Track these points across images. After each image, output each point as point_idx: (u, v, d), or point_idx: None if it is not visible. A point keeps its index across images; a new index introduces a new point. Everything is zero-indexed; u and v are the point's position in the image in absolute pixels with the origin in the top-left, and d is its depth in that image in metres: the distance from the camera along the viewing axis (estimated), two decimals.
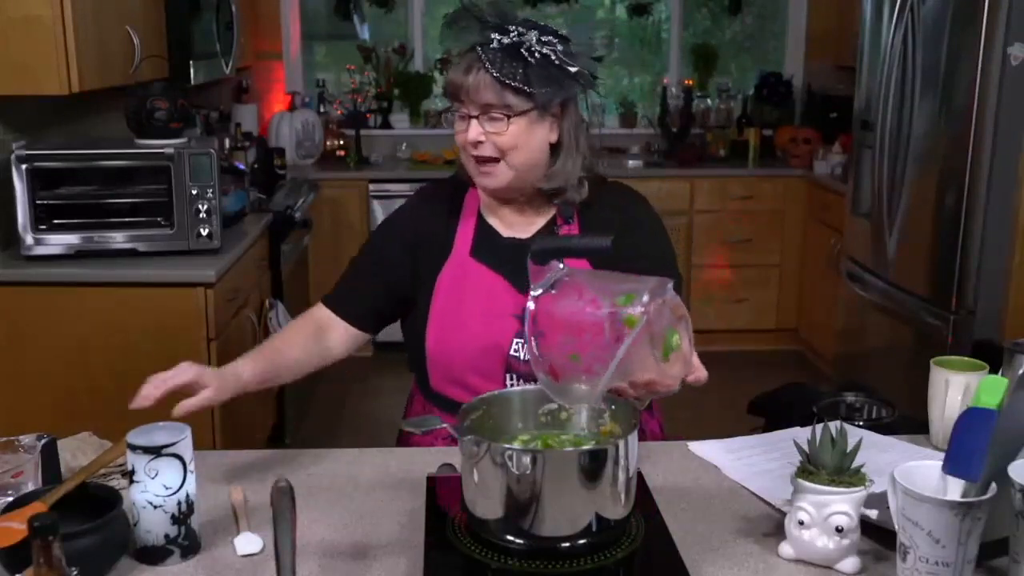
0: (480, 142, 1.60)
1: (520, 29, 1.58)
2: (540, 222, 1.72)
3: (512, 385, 1.64)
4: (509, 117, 1.59)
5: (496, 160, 1.62)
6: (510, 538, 1.19)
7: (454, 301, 1.67)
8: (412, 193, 1.87)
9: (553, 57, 1.57)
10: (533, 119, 1.60)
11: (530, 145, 1.62)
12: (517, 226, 1.72)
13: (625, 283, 1.25)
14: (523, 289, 1.60)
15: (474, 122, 1.60)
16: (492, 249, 1.70)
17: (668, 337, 1.25)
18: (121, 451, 1.29)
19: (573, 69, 1.58)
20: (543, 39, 1.58)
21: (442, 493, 1.36)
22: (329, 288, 1.79)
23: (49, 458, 1.35)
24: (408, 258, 1.73)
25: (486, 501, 1.21)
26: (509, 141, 1.60)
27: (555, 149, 1.66)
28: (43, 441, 1.35)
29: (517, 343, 1.64)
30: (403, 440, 1.78)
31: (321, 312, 1.75)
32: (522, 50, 1.56)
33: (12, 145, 2.82)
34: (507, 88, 1.56)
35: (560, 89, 1.59)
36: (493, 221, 1.73)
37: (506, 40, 1.57)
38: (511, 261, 1.64)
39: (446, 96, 1.67)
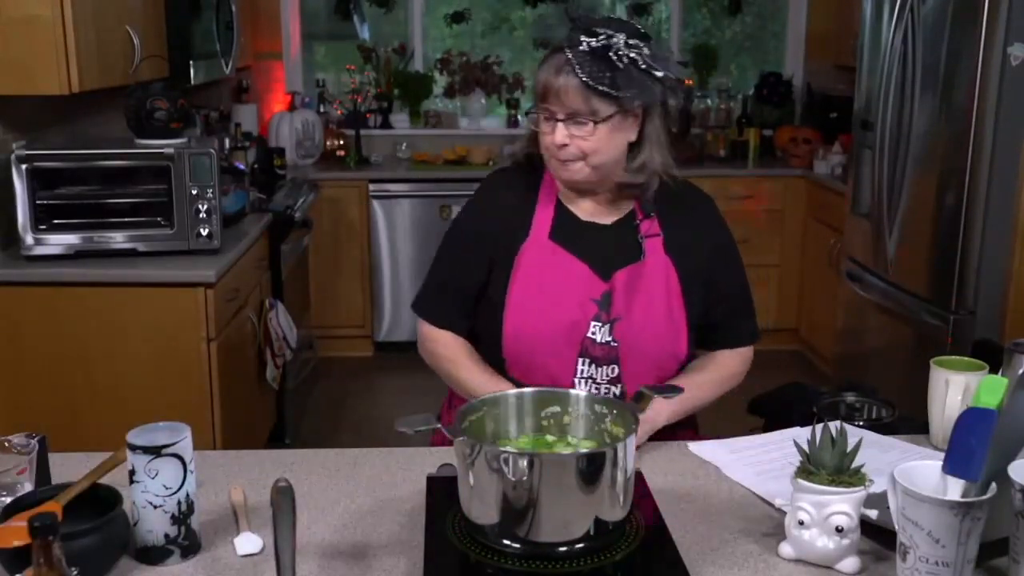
0: (565, 145, 1.62)
1: (608, 32, 1.58)
2: (619, 213, 1.73)
3: (584, 370, 1.66)
4: (596, 123, 1.60)
5: (577, 160, 1.64)
6: (507, 543, 1.18)
7: (533, 284, 1.67)
8: (478, 188, 1.84)
9: (640, 62, 1.58)
10: (616, 123, 1.62)
11: (610, 147, 1.64)
12: (596, 214, 1.74)
13: None
14: (602, 272, 1.66)
15: (560, 126, 1.61)
16: (571, 232, 1.71)
17: None
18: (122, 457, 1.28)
19: (659, 74, 1.59)
20: (630, 42, 1.59)
21: (442, 493, 1.35)
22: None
23: (41, 457, 1.35)
24: (486, 256, 1.73)
25: (482, 506, 1.20)
26: (593, 145, 1.62)
27: (633, 146, 1.66)
28: (35, 440, 1.34)
29: (594, 326, 1.65)
30: (435, 440, 1.77)
31: (446, 335, 1.75)
32: (610, 54, 1.57)
33: (12, 145, 2.82)
34: (594, 93, 1.58)
35: (645, 93, 1.59)
36: (572, 207, 1.74)
37: (595, 43, 1.57)
38: (591, 244, 1.67)
39: (528, 95, 1.69)
